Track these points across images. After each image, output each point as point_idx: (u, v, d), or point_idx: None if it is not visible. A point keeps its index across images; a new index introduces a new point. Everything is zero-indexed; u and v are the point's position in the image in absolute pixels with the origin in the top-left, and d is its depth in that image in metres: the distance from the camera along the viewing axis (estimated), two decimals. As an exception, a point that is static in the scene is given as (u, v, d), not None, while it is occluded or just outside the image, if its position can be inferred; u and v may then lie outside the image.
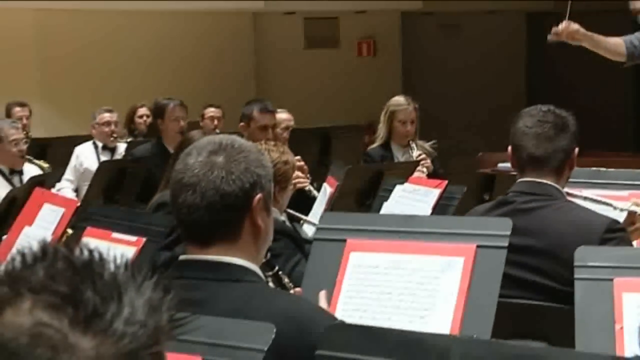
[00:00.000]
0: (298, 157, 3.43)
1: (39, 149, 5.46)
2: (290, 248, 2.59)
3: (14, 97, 6.51)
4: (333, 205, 3.51)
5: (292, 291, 1.97)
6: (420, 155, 4.45)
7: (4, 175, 4.44)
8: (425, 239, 1.82)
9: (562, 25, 3.61)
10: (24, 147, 4.50)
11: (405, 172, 3.84)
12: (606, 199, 2.49)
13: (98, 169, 4.58)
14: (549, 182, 2.35)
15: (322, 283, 1.83)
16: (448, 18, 9.86)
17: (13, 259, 0.76)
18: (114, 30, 8.38)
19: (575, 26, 3.59)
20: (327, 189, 3.67)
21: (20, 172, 4.48)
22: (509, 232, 1.79)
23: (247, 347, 1.32)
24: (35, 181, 3.76)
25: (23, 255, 0.75)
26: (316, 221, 2.90)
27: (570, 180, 2.44)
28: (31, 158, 4.73)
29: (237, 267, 1.54)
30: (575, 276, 1.79)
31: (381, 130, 4.63)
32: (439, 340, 1.23)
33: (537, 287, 2.27)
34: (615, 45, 3.58)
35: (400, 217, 2.27)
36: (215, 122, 6.44)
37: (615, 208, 2.44)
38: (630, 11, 3.57)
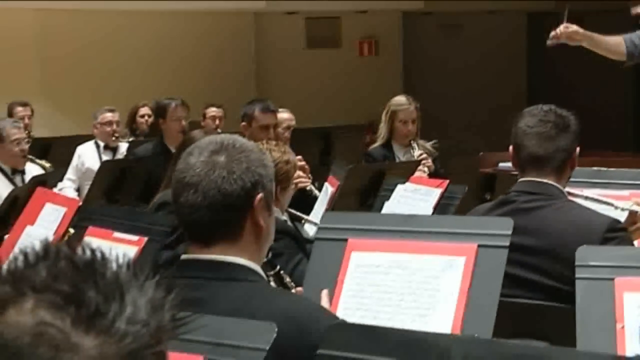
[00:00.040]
0: (299, 157, 3.43)
1: (41, 148, 5.47)
2: (292, 247, 2.59)
3: (16, 97, 6.52)
4: (334, 204, 3.51)
5: (293, 291, 1.97)
6: (421, 154, 4.45)
7: (6, 175, 4.44)
8: (426, 239, 1.82)
9: (561, 28, 3.60)
10: (26, 146, 4.50)
11: (406, 171, 3.84)
12: (607, 198, 2.49)
13: (100, 169, 4.59)
14: (550, 182, 2.35)
15: (323, 282, 1.83)
16: (449, 18, 9.86)
17: (16, 259, 0.76)
18: (116, 30, 8.38)
19: (573, 27, 3.58)
20: (328, 189, 3.67)
21: (22, 172, 4.49)
22: (510, 232, 1.79)
23: (249, 346, 1.32)
24: (37, 181, 3.77)
25: (26, 254, 0.76)
26: (317, 221, 2.90)
27: (572, 179, 2.44)
28: (33, 158, 4.74)
29: (238, 266, 1.54)
30: (577, 276, 1.79)
31: (382, 130, 4.63)
32: (440, 340, 1.23)
33: (538, 287, 2.27)
34: (615, 44, 3.57)
35: (402, 216, 2.27)
36: (217, 121, 6.45)
37: (616, 207, 2.45)
38: (632, 15, 3.55)
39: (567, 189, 2.41)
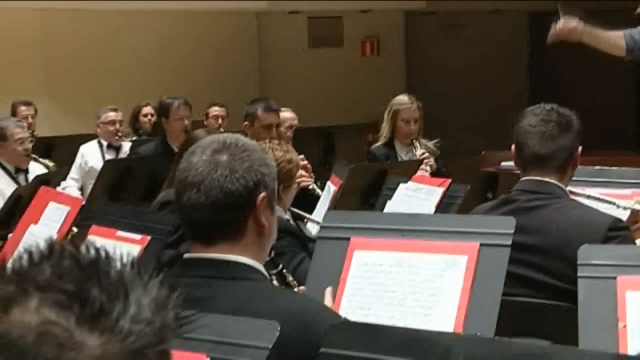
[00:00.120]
0: (302, 156, 3.43)
1: (44, 147, 5.48)
2: (294, 246, 2.59)
3: (19, 96, 6.54)
4: (337, 203, 3.51)
5: (296, 289, 1.98)
6: (423, 153, 4.45)
7: (9, 174, 4.45)
8: (428, 238, 1.83)
9: (560, 24, 3.57)
10: (29, 145, 4.51)
11: (408, 170, 3.84)
12: (609, 197, 2.50)
13: (103, 168, 4.60)
14: (552, 181, 2.36)
15: (325, 281, 1.83)
16: (451, 17, 9.86)
17: (20, 257, 0.76)
18: (118, 30, 8.39)
19: (573, 23, 3.55)
20: (330, 188, 3.68)
21: (26, 171, 4.50)
22: (512, 231, 1.79)
23: (252, 345, 1.32)
24: (41, 180, 3.77)
25: (30, 253, 0.76)
26: (320, 220, 2.90)
27: (574, 178, 2.44)
28: (36, 157, 4.75)
29: (241, 265, 1.55)
30: (579, 274, 1.79)
31: (385, 129, 4.63)
32: (442, 339, 1.23)
33: (540, 285, 2.27)
34: (615, 38, 3.55)
35: (404, 215, 2.28)
36: (220, 121, 6.46)
37: (618, 206, 2.45)
38: (635, 14, 3.52)
39: (569, 188, 2.41)
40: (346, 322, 1.49)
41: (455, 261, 1.78)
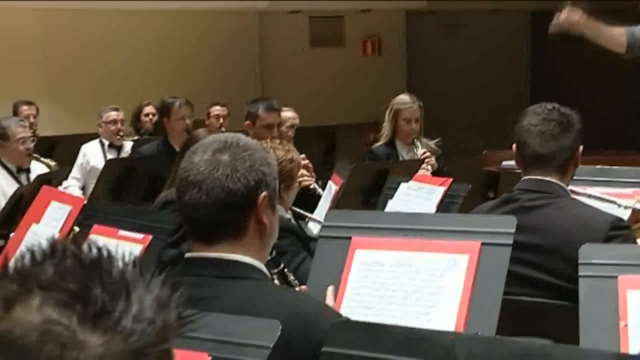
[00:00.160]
0: (303, 155, 3.44)
1: (46, 147, 5.48)
2: (296, 245, 2.59)
3: (21, 96, 6.54)
4: (338, 203, 3.51)
5: (297, 289, 1.98)
6: (424, 153, 4.45)
7: (11, 173, 4.46)
8: (429, 237, 1.83)
9: (563, 15, 3.54)
10: (31, 145, 4.52)
11: (409, 170, 3.84)
12: (610, 196, 2.50)
13: (104, 167, 4.60)
14: (553, 180, 2.36)
15: (327, 280, 1.84)
16: (452, 17, 9.86)
17: (22, 257, 0.76)
18: (120, 30, 8.40)
19: (576, 16, 3.52)
20: (332, 187, 3.68)
21: (28, 170, 4.51)
22: (513, 230, 1.79)
23: (253, 344, 1.32)
24: (42, 179, 3.78)
25: (32, 252, 0.76)
26: (321, 219, 2.91)
27: (575, 178, 2.44)
28: (38, 156, 4.76)
29: (242, 264, 1.55)
30: (580, 273, 1.79)
31: (386, 129, 4.63)
32: (443, 338, 1.24)
33: (541, 285, 2.27)
34: (616, 34, 3.54)
35: (405, 214, 2.28)
36: (221, 120, 6.46)
37: (619, 206, 2.45)
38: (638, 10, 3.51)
39: (570, 187, 2.41)
40: (347, 322, 1.49)
41: (457, 260, 1.78)
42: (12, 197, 3.69)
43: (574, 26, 3.52)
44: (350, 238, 1.88)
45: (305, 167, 3.69)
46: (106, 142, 5.50)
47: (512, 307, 1.98)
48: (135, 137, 6.08)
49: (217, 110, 6.54)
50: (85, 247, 0.77)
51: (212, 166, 1.54)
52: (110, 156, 5.35)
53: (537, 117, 2.37)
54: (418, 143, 4.52)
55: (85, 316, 0.72)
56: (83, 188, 5.26)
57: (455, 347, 1.18)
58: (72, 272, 0.75)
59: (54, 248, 0.76)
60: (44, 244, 0.77)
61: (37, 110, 6.47)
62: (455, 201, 3.32)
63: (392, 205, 3.36)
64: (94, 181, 4.62)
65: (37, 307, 0.73)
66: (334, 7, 9.20)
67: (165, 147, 4.80)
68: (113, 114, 5.54)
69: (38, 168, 4.57)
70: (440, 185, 3.34)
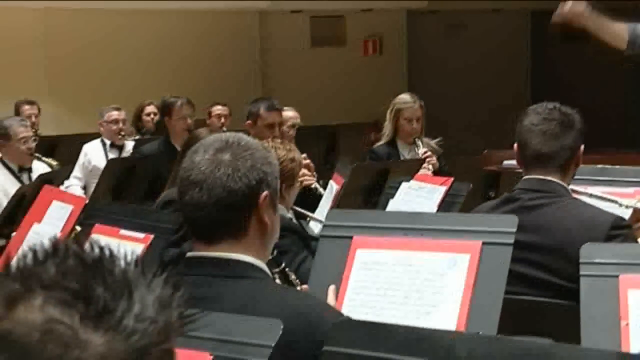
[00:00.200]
0: (304, 155, 3.44)
1: (48, 146, 5.49)
2: (297, 245, 2.60)
3: (23, 96, 6.55)
4: (339, 202, 3.52)
5: (298, 288, 1.98)
6: (425, 152, 4.45)
7: (13, 173, 4.47)
8: (431, 236, 1.83)
9: (567, 5, 3.53)
10: (33, 144, 4.52)
11: (411, 169, 3.84)
12: (612, 196, 2.50)
13: (106, 167, 4.60)
14: (554, 180, 2.36)
15: (328, 280, 1.84)
16: (453, 17, 9.86)
17: (25, 256, 0.76)
18: (122, 29, 8.41)
19: (580, 7, 3.50)
20: (333, 187, 3.68)
21: (29, 170, 4.51)
22: (514, 229, 1.79)
23: (255, 343, 1.33)
24: (44, 179, 3.78)
25: (34, 252, 0.76)
26: (322, 218, 2.91)
27: (576, 177, 2.44)
28: (40, 156, 4.76)
29: (244, 263, 1.55)
30: (581, 273, 1.79)
31: (387, 128, 4.63)
32: (444, 337, 1.24)
33: (542, 284, 2.28)
34: (619, 30, 3.53)
35: (406, 214, 2.28)
36: (222, 120, 6.47)
37: (620, 205, 2.45)
38: None
39: (571, 187, 2.41)
40: (349, 321, 1.49)
41: (458, 260, 1.78)
42: (13, 196, 3.70)
43: (578, 18, 3.50)
44: (351, 237, 1.88)
45: (307, 166, 3.70)
46: (107, 142, 5.50)
47: (513, 306, 1.98)
48: (137, 137, 6.09)
49: (218, 109, 6.55)
50: (87, 246, 0.77)
51: (213, 166, 1.54)
52: (111, 156, 5.35)
53: (538, 117, 2.37)
54: (419, 142, 4.52)
55: (87, 315, 0.73)
56: (84, 187, 5.26)
57: (456, 347, 1.18)
58: (74, 272, 0.75)
59: (56, 247, 0.77)
60: (46, 243, 0.77)
61: (39, 109, 6.47)
62: (456, 201, 3.32)
63: (393, 205, 3.36)
64: (96, 181, 4.62)
65: (39, 307, 0.73)
66: (334, 7, 9.21)
67: (166, 147, 4.81)
68: (114, 114, 5.55)
69: (40, 167, 4.57)
70: (441, 184, 3.34)
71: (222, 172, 1.53)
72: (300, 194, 3.06)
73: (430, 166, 4.37)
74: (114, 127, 5.50)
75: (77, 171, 5.31)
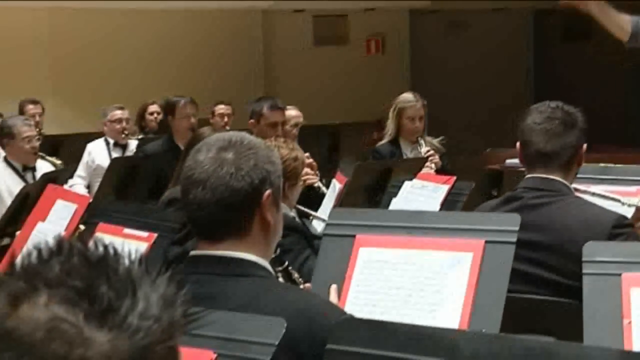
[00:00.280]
0: (307, 154, 3.44)
1: (52, 145, 5.50)
2: (300, 244, 2.60)
3: (27, 95, 6.56)
4: (342, 201, 3.52)
5: (301, 286, 1.99)
6: (428, 151, 4.45)
7: (17, 172, 4.48)
8: (433, 235, 1.83)
9: None
10: (37, 144, 4.53)
11: (413, 168, 3.84)
12: (614, 194, 2.50)
13: (109, 166, 4.61)
14: (557, 178, 2.36)
15: (331, 278, 1.84)
16: (456, 16, 9.85)
17: (29, 254, 0.77)
18: (125, 29, 8.42)
19: None
20: (336, 185, 3.68)
21: (33, 169, 4.52)
22: (517, 228, 1.80)
23: (258, 341, 1.33)
24: (48, 177, 3.78)
25: (39, 250, 0.76)
26: (325, 217, 2.91)
27: (579, 176, 2.44)
28: (44, 155, 4.77)
29: (247, 262, 1.55)
30: (584, 271, 1.79)
31: (390, 127, 4.63)
32: (447, 335, 1.24)
33: (545, 282, 2.28)
34: (623, 21, 3.55)
35: (409, 212, 2.28)
36: (225, 119, 6.47)
37: (623, 204, 2.45)
38: None
39: (574, 186, 2.41)
40: (352, 319, 1.49)
41: (461, 258, 1.78)
42: (17, 195, 3.70)
43: (585, 3, 3.51)
44: (354, 236, 1.88)
45: (310, 165, 3.70)
46: (111, 141, 5.51)
47: (516, 304, 1.98)
48: (140, 136, 6.10)
49: (221, 108, 6.55)
50: (91, 244, 0.78)
51: (216, 164, 1.54)
52: (115, 155, 5.36)
53: (541, 116, 2.38)
54: (422, 141, 4.52)
55: (91, 313, 0.73)
56: (88, 186, 5.27)
57: (459, 345, 1.18)
58: (78, 270, 0.75)
59: (61, 246, 0.77)
60: (51, 241, 0.78)
61: (43, 109, 6.49)
62: (459, 199, 3.32)
63: (396, 204, 3.36)
64: (99, 180, 4.63)
65: (44, 305, 0.73)
66: (337, 6, 9.21)
67: (169, 146, 4.82)
68: (118, 113, 5.56)
69: (43, 166, 4.58)
70: (444, 183, 3.34)
71: (225, 170, 1.54)
72: (303, 192, 3.06)
73: (433, 165, 4.37)
74: (118, 126, 5.51)
75: (80, 170, 5.33)
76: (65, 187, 4.26)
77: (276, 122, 4.34)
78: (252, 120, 4.41)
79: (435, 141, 4.63)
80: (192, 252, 1.60)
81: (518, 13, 9.93)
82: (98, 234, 2.52)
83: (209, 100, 6.66)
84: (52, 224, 2.84)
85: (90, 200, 3.09)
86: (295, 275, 2.04)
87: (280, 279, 1.95)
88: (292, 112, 4.77)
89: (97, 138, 5.56)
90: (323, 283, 1.84)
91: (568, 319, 1.99)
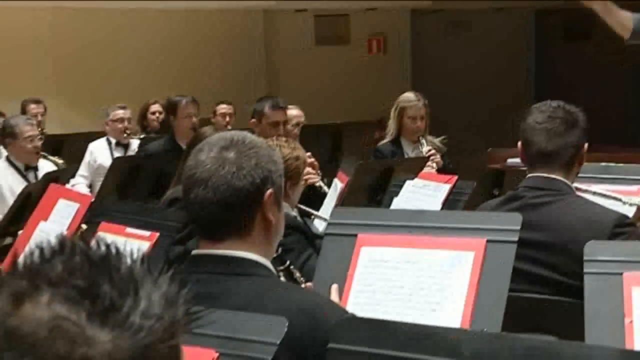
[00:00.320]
0: (309, 153, 3.44)
1: (54, 145, 5.51)
2: (302, 243, 2.60)
3: (29, 94, 6.57)
4: (344, 200, 3.52)
5: (303, 286, 1.99)
6: (430, 150, 4.45)
7: (19, 171, 4.48)
8: (435, 234, 1.83)
9: None
10: (39, 143, 4.54)
11: (415, 167, 3.85)
12: (615, 193, 2.50)
13: (111, 165, 4.61)
14: (558, 178, 2.36)
15: (333, 277, 1.84)
16: (457, 15, 9.85)
17: (31, 253, 0.77)
18: (127, 29, 8.42)
19: None
20: (337, 185, 3.69)
21: (35, 168, 4.53)
22: (519, 227, 1.80)
23: (260, 340, 1.33)
24: (50, 177, 3.79)
25: (41, 249, 0.77)
26: (327, 216, 2.91)
27: (580, 175, 2.45)
28: (46, 154, 4.78)
29: (249, 261, 1.56)
30: (585, 270, 1.79)
31: (391, 127, 4.64)
32: (449, 334, 1.24)
33: (546, 282, 2.28)
34: (625, 18, 3.56)
35: (411, 212, 2.28)
36: (227, 118, 6.48)
37: (624, 203, 2.45)
38: None
39: (575, 185, 2.41)
40: (354, 318, 1.49)
41: (462, 257, 1.78)
42: (20, 195, 3.71)
43: (589, 2, 3.51)
44: (356, 235, 1.89)
45: (311, 164, 3.70)
46: (113, 140, 5.52)
47: (518, 304, 1.98)
48: (142, 136, 6.10)
49: (223, 108, 6.56)
50: (93, 244, 0.78)
51: (218, 164, 1.54)
52: (117, 154, 5.36)
53: (542, 115, 2.38)
54: (423, 141, 4.52)
55: (93, 312, 0.73)
56: (90, 186, 5.28)
57: (461, 344, 1.18)
58: (80, 269, 0.75)
59: (63, 245, 0.77)
60: (53, 241, 0.78)
61: (45, 108, 6.50)
62: (461, 198, 3.32)
63: (397, 203, 3.36)
64: (101, 179, 4.63)
65: (46, 303, 0.73)
66: (339, 6, 9.21)
67: (171, 145, 4.82)
68: (120, 113, 5.56)
69: (45, 166, 4.59)
70: (446, 182, 3.34)
71: (227, 170, 1.54)
72: (304, 192, 3.06)
73: (434, 164, 4.37)
74: (120, 125, 5.52)
75: (82, 170, 5.33)
76: (67, 186, 4.27)
77: (278, 122, 4.34)
78: (253, 120, 4.41)
79: (437, 140, 4.63)
80: (194, 252, 1.61)
81: (519, 13, 9.93)
82: (100, 233, 2.52)
83: (211, 99, 6.67)
84: (55, 223, 2.85)
85: (93, 200, 3.10)
86: (297, 274, 2.04)
87: (282, 279, 1.95)
88: (293, 112, 4.77)
89: (99, 137, 5.57)
90: (325, 282, 1.84)
91: (569, 318, 1.99)
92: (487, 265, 1.76)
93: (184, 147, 4.25)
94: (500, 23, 9.84)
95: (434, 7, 9.67)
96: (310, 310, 1.50)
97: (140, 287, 0.75)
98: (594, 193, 2.48)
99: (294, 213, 2.91)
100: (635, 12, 3.56)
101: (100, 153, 5.43)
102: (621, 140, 7.24)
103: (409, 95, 4.66)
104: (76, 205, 2.88)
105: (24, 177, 4.46)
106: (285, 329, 1.33)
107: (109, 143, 5.52)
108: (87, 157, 5.39)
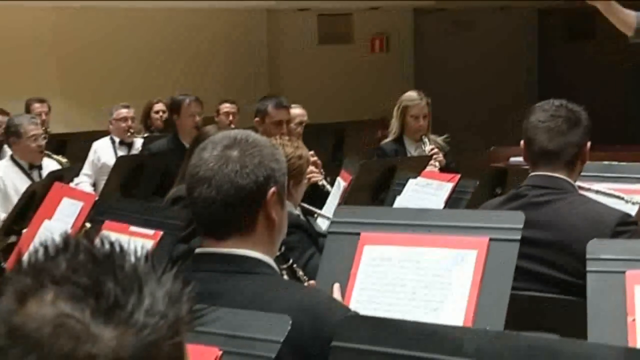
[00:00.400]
0: (312, 152, 3.45)
1: (58, 144, 5.52)
2: (305, 241, 2.60)
3: (33, 94, 6.58)
4: (346, 199, 3.52)
5: (306, 284, 1.99)
6: (432, 149, 4.46)
7: (23, 170, 4.49)
8: (438, 232, 1.83)
9: None
10: (43, 142, 4.55)
11: (418, 166, 3.85)
12: (618, 192, 2.50)
13: (115, 164, 4.62)
14: (561, 176, 2.36)
15: (336, 276, 1.85)
16: (460, 14, 9.85)
17: (36, 251, 0.77)
18: (131, 28, 8.44)
19: None
20: (340, 183, 3.69)
21: (39, 167, 4.54)
22: (521, 225, 1.80)
23: (264, 338, 1.34)
24: (54, 176, 3.80)
25: (46, 247, 0.77)
26: (330, 215, 2.92)
27: (582, 174, 2.44)
28: (50, 153, 4.79)
29: (252, 259, 1.56)
30: (588, 269, 1.79)
31: (394, 125, 4.64)
32: (452, 332, 1.24)
33: (549, 280, 2.28)
34: (628, 16, 3.56)
35: (413, 210, 2.28)
36: (230, 117, 6.49)
37: (627, 201, 2.45)
38: None
39: (577, 183, 2.41)
40: (357, 316, 1.50)
41: (465, 256, 1.78)
42: (24, 193, 3.71)
43: (593, 2, 3.52)
44: (359, 234, 1.89)
45: (314, 163, 3.70)
46: (117, 139, 5.53)
47: (520, 302, 1.98)
48: (146, 134, 6.11)
49: (226, 107, 6.57)
50: (97, 242, 0.78)
51: (221, 162, 1.55)
52: (120, 153, 5.37)
53: (545, 114, 2.38)
54: (426, 139, 4.53)
55: (98, 310, 0.73)
56: (94, 185, 5.29)
57: (464, 342, 1.18)
58: (84, 267, 0.76)
59: (67, 243, 0.77)
60: (57, 239, 0.78)
61: (49, 107, 6.51)
62: (463, 197, 3.32)
63: (400, 201, 3.37)
64: (105, 178, 4.64)
65: (51, 301, 0.74)
66: (342, 5, 9.21)
67: (175, 144, 4.83)
68: (123, 112, 5.57)
69: (50, 165, 4.60)
70: (448, 181, 3.34)
71: (230, 168, 1.54)
72: (307, 190, 3.07)
73: (437, 163, 4.37)
74: (123, 124, 5.53)
75: (86, 168, 5.34)
76: (71, 185, 4.27)
77: (281, 121, 4.35)
78: (257, 119, 4.42)
79: (440, 139, 4.63)
80: (198, 250, 1.61)
81: (521, 13, 9.92)
82: (104, 232, 2.53)
83: (214, 98, 6.68)
84: (59, 221, 2.85)
85: (97, 198, 3.10)
86: (300, 272, 2.05)
87: (285, 277, 1.96)
88: (296, 111, 4.77)
89: (103, 136, 5.58)
90: (328, 281, 1.84)
91: (572, 316, 1.99)
92: (489, 263, 1.76)
93: (187, 145, 4.25)
94: (502, 23, 9.83)
95: (437, 6, 9.66)
96: (313, 309, 1.50)
97: (144, 284, 0.76)
98: (597, 192, 2.48)
99: (297, 212, 2.91)
100: (638, 11, 3.57)
101: (104, 152, 5.44)
102: (621, 140, 7.24)
103: (412, 94, 4.66)
104: (80, 204, 2.88)
105: (28, 176, 4.47)
106: (289, 327, 1.33)
107: (113, 142, 5.52)
108: (90, 156, 5.40)
